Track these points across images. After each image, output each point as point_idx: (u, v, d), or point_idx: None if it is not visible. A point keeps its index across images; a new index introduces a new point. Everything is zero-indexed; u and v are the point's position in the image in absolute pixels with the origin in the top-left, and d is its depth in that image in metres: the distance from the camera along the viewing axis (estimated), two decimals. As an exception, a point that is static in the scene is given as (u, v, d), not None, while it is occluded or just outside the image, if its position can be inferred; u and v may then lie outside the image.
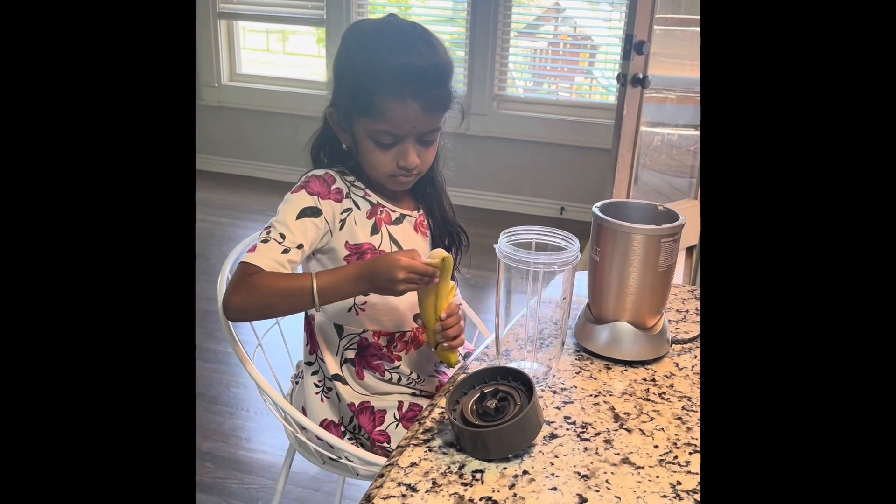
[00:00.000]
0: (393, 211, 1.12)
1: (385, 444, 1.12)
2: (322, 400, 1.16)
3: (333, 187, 1.07)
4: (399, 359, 1.14)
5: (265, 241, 1.02)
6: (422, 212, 1.17)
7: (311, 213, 1.04)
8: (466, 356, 1.28)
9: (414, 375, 1.15)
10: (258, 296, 0.99)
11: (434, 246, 1.15)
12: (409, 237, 1.13)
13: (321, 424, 1.14)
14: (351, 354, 1.13)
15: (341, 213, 1.07)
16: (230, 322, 1.07)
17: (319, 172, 1.09)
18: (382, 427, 1.12)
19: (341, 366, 1.13)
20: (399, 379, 1.15)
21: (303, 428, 1.13)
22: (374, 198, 1.10)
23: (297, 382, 1.26)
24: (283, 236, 1.02)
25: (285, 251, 1.02)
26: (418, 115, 1.02)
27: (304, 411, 1.17)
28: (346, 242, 1.07)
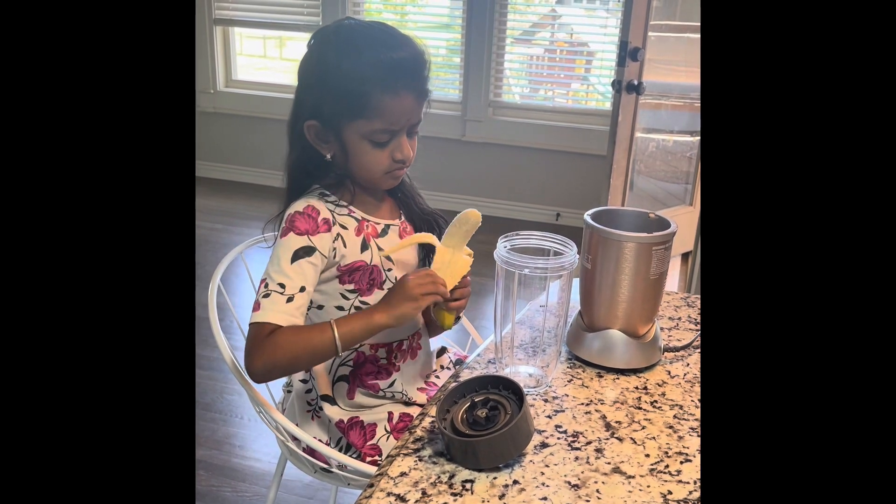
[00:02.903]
0: (377, 223, 1.11)
1: (377, 458, 1.11)
2: (312, 419, 1.15)
3: (320, 219, 1.05)
4: (397, 370, 1.13)
5: (266, 296, 1.00)
6: (402, 218, 1.16)
7: (304, 253, 1.02)
8: (458, 363, 1.28)
9: (406, 391, 1.15)
10: (281, 355, 0.99)
11: (421, 250, 1.16)
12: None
13: None
14: (345, 371, 1.12)
15: (332, 244, 1.05)
16: (252, 380, 1.06)
17: (300, 207, 1.05)
18: (374, 441, 1.12)
19: (333, 384, 1.12)
20: (392, 396, 1.14)
21: (294, 438, 1.13)
22: (358, 213, 1.09)
23: (288, 391, 1.26)
24: (282, 286, 1.01)
25: (289, 300, 1.00)
26: (412, 107, 1.03)
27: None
28: (338, 266, 1.07)
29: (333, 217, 1.06)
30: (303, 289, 1.02)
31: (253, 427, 2.11)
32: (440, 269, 1.03)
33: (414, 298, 0.99)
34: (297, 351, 0.99)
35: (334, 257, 1.06)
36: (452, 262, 1.04)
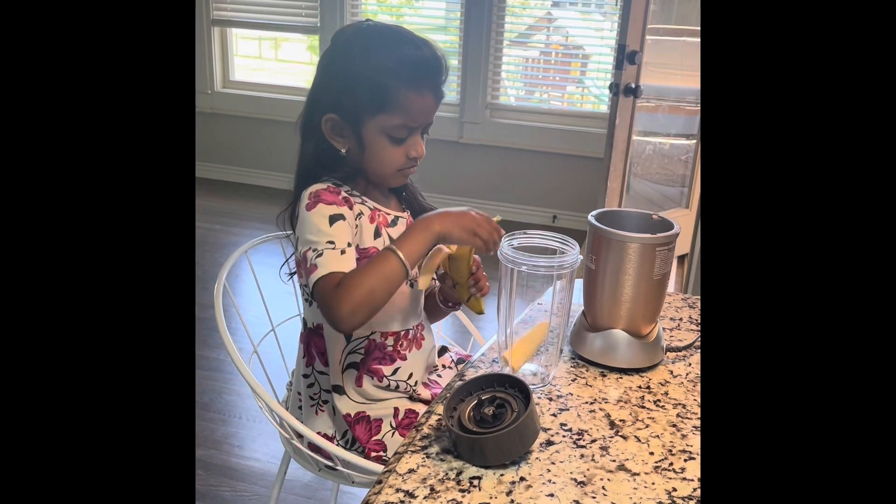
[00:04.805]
0: (388, 214, 1.13)
1: (381, 454, 1.12)
2: (316, 413, 1.16)
3: (341, 196, 1.07)
4: (403, 358, 1.15)
5: (320, 255, 1.00)
6: (408, 212, 1.19)
7: (339, 217, 1.04)
8: (459, 362, 1.29)
9: (411, 381, 1.16)
10: (356, 291, 0.96)
11: None
12: None
13: None
14: (356, 358, 1.13)
15: (355, 221, 1.08)
16: (347, 334, 1.09)
17: (321, 186, 1.07)
18: (379, 436, 1.13)
19: (343, 372, 1.13)
20: (396, 386, 1.15)
21: (298, 435, 1.13)
22: (371, 203, 1.11)
23: (291, 390, 1.27)
24: (331, 243, 1.01)
25: (342, 252, 1.01)
26: (431, 106, 1.07)
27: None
28: (357, 246, 1.08)
29: (351, 199, 1.09)
30: (349, 244, 1.03)
31: (252, 427, 2.12)
32: (458, 273, 1.09)
33: (468, 230, 0.99)
34: (370, 284, 0.97)
35: (355, 236, 1.08)
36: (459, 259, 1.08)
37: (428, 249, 1.00)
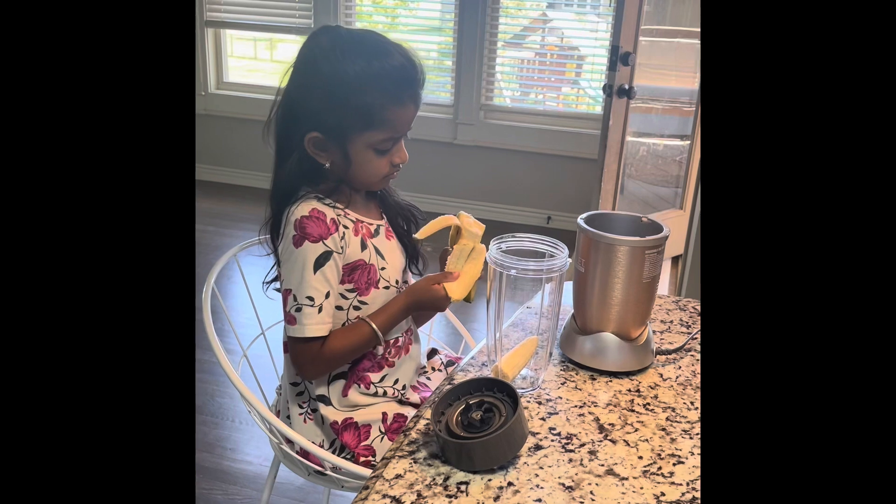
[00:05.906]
0: (370, 224, 1.13)
1: (371, 458, 1.12)
2: (305, 421, 1.16)
3: (328, 220, 1.06)
4: (392, 365, 1.15)
5: (298, 310, 1.05)
6: (384, 219, 1.18)
7: (323, 259, 1.04)
8: (449, 364, 1.29)
9: (399, 386, 1.16)
10: (334, 361, 1.11)
11: (403, 245, 1.19)
12: (387, 246, 1.14)
13: None
14: (344, 368, 1.13)
15: (340, 241, 1.07)
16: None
17: (305, 211, 1.05)
18: (367, 442, 1.12)
19: (329, 383, 1.13)
20: (384, 392, 1.15)
21: (288, 440, 1.13)
22: (353, 215, 1.10)
23: (281, 394, 1.26)
24: (310, 299, 1.05)
25: (320, 310, 1.06)
26: (413, 114, 1.08)
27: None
28: (342, 265, 1.08)
29: (337, 218, 1.08)
30: (328, 294, 1.06)
31: (244, 430, 2.11)
32: (460, 260, 1.11)
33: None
34: (345, 355, 1.11)
35: (341, 255, 1.08)
36: (475, 250, 1.11)
37: (404, 318, 1.14)
